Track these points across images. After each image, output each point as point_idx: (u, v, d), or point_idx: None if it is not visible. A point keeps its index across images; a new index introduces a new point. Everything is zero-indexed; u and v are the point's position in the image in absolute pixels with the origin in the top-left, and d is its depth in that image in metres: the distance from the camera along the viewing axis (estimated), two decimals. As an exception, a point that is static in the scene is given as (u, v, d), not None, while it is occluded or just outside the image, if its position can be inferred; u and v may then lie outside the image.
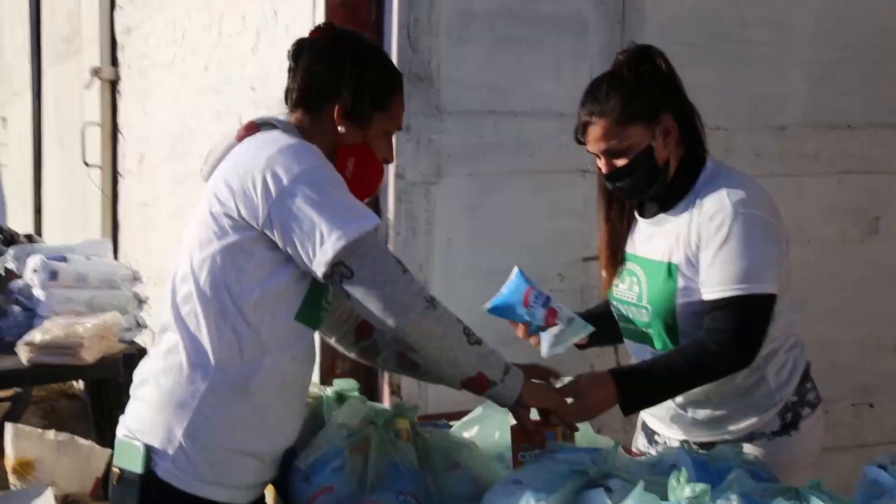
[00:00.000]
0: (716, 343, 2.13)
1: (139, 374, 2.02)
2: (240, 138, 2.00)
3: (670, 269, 2.24)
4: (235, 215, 1.87)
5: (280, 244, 1.87)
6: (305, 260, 1.85)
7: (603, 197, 2.42)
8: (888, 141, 3.71)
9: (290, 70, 2.07)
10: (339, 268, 1.82)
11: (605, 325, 2.44)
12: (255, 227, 1.86)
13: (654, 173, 2.24)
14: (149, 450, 1.90)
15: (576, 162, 3.27)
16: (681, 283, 2.22)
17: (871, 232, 3.72)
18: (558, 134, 3.24)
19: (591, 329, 2.31)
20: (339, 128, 2.00)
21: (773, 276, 2.16)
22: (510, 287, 2.30)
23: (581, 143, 2.29)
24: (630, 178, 2.23)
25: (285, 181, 1.83)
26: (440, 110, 3.11)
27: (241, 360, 1.90)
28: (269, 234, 1.86)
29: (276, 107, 3.64)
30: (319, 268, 1.83)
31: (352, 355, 2.36)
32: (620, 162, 2.22)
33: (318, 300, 1.99)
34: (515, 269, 2.33)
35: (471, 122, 3.14)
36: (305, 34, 3.29)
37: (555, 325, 2.26)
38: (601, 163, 2.27)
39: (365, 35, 2.14)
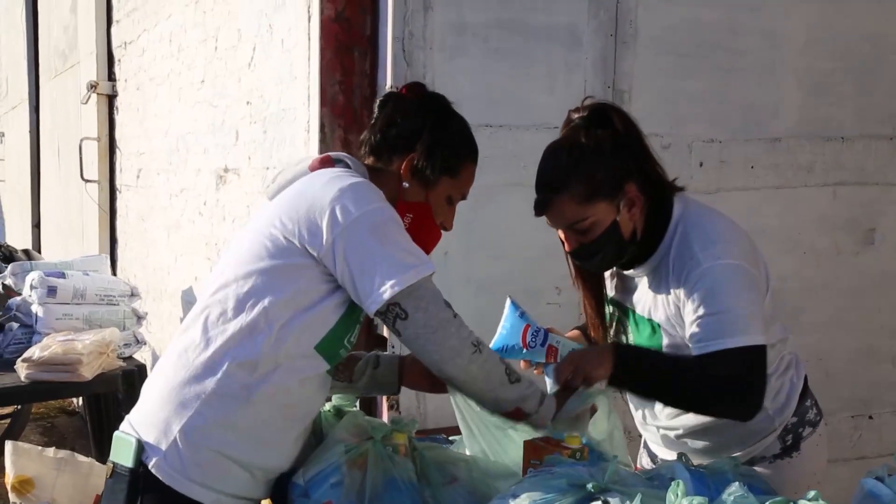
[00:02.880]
0: (718, 380, 2.06)
1: (152, 372, 2.06)
2: (313, 169, 2.04)
3: (653, 327, 2.20)
4: (295, 239, 1.91)
5: (338, 274, 1.90)
6: (360, 294, 1.89)
7: (575, 262, 2.29)
8: (881, 152, 3.73)
9: (372, 120, 2.14)
10: (395, 308, 1.88)
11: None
12: (314, 255, 1.90)
13: (620, 248, 2.15)
14: (141, 444, 1.93)
15: (571, 174, 3.28)
16: (665, 340, 2.18)
17: (867, 243, 3.73)
18: (553, 147, 3.25)
19: None
20: (403, 182, 2.05)
21: (756, 327, 2.06)
22: (506, 326, 2.26)
23: (537, 216, 2.17)
24: (595, 257, 2.15)
25: (354, 214, 1.87)
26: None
27: (252, 372, 1.92)
28: (327, 263, 1.90)
29: (271, 120, 3.68)
30: (374, 305, 1.88)
31: None
32: (584, 239, 2.13)
33: (342, 338, 2.01)
34: (508, 302, 2.28)
35: (466, 135, 3.15)
36: (300, 48, 3.33)
37: (555, 362, 2.21)
38: (564, 237, 2.17)
39: (451, 102, 2.18)
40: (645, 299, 2.22)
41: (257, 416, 1.94)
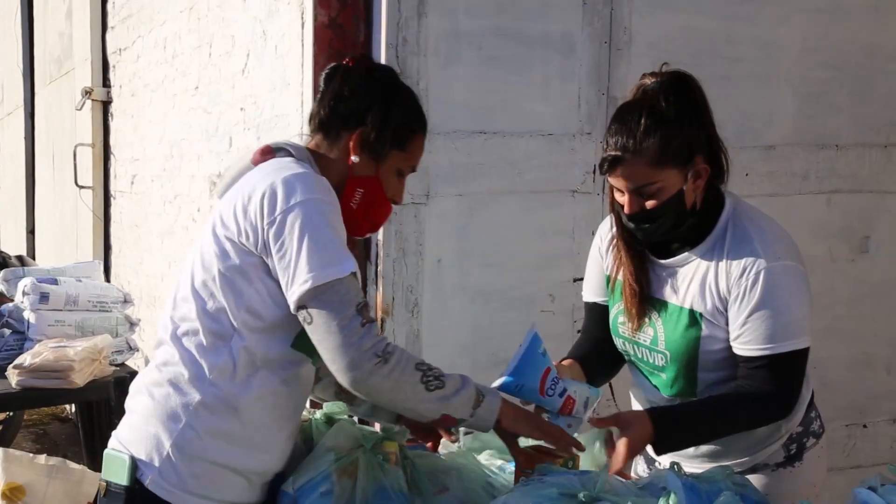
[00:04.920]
0: (757, 395, 2.09)
1: (133, 387, 2.04)
2: (255, 162, 2.01)
3: (694, 317, 2.16)
4: (236, 239, 1.89)
5: (272, 270, 1.88)
6: (284, 293, 1.87)
7: (625, 231, 2.22)
8: (875, 160, 3.74)
9: (319, 93, 2.08)
10: (304, 312, 1.84)
11: (595, 368, 2.34)
12: (254, 251, 1.88)
13: (681, 217, 2.11)
14: (134, 461, 1.91)
15: (565, 182, 3.28)
16: (706, 331, 2.14)
17: (861, 251, 3.73)
18: (547, 154, 3.25)
19: (599, 395, 2.17)
20: (352, 157, 2.00)
21: (808, 328, 2.11)
22: (526, 360, 2.09)
23: (604, 173, 2.12)
24: (656, 222, 2.11)
25: (279, 209, 1.84)
26: (429, 131, 3.09)
27: (233, 378, 1.91)
28: (265, 258, 1.88)
29: (265, 127, 3.67)
30: (291, 305, 1.86)
31: None
32: (649, 203, 2.09)
33: None
34: (532, 332, 2.12)
35: (459, 142, 3.15)
36: (293, 54, 3.32)
37: (570, 414, 2.10)
38: (625, 199, 2.12)
39: (398, 73, 2.14)
40: (686, 289, 2.18)
41: (247, 423, 1.93)
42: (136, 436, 1.95)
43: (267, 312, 1.90)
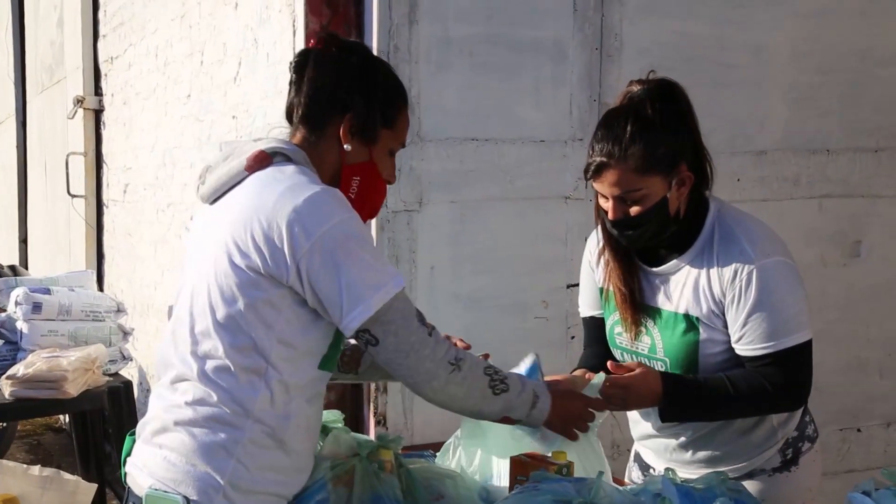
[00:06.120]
0: (768, 385, 2.11)
1: (155, 420, 1.94)
2: (250, 168, 1.92)
3: (691, 321, 2.17)
4: (262, 270, 1.82)
5: (308, 299, 1.84)
6: (332, 320, 1.84)
7: (612, 237, 2.23)
8: (866, 164, 3.75)
9: (292, 83, 2.00)
10: (365, 335, 1.83)
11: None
12: (283, 282, 1.82)
13: (664, 224, 2.13)
14: (188, 501, 1.84)
15: (557, 188, 3.29)
16: (703, 334, 2.16)
17: (853, 255, 3.74)
18: (539, 160, 3.26)
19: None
20: (345, 145, 1.95)
21: (807, 320, 2.14)
22: None
23: (589, 179, 2.15)
24: (639, 228, 2.12)
25: (313, 238, 1.79)
26: (421, 138, 3.11)
27: (273, 410, 1.87)
28: (296, 289, 1.83)
29: (257, 135, 3.67)
30: (346, 332, 1.84)
31: None
32: (633, 210, 2.10)
33: (338, 345, 1.97)
34: (531, 359, 2.18)
35: (452, 149, 3.15)
36: (285, 62, 3.32)
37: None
38: (609, 205, 2.13)
39: (368, 47, 2.08)
40: (680, 294, 2.19)
41: (291, 452, 1.91)
42: (181, 475, 1.86)
43: (299, 341, 1.87)
